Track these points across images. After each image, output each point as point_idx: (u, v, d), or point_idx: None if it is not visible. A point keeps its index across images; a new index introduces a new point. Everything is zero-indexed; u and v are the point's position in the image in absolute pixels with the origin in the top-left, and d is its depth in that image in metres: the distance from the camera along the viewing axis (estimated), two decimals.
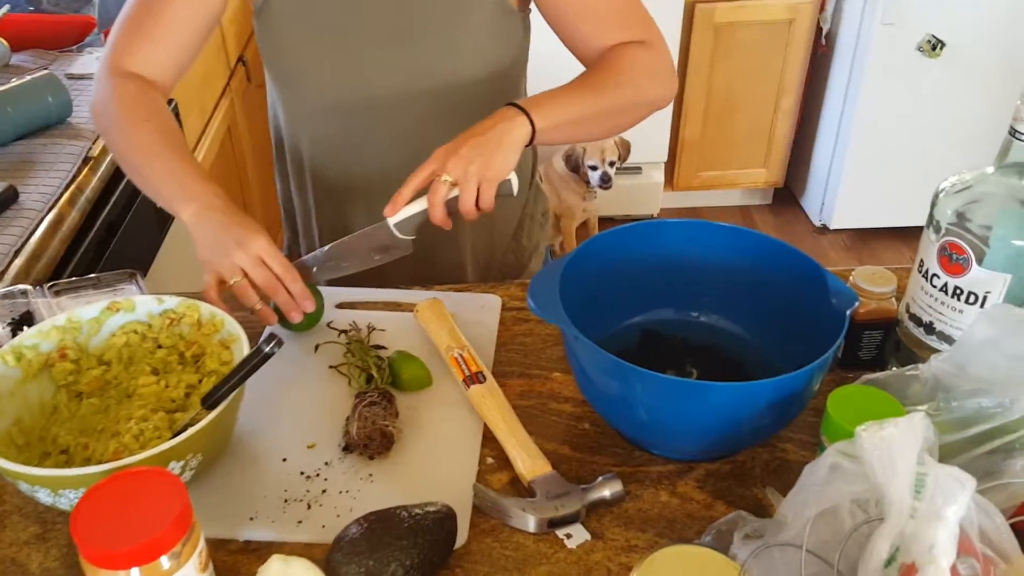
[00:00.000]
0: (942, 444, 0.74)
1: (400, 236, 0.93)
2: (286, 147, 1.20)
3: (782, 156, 3.04)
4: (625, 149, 2.75)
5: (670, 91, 1.05)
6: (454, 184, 0.89)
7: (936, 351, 0.82)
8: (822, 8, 2.80)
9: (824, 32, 2.84)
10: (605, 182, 2.70)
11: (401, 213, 0.91)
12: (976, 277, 0.78)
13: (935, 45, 2.60)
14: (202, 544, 0.68)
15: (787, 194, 3.24)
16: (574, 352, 0.84)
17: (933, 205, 0.81)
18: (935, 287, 0.81)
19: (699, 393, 0.76)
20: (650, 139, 2.92)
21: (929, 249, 0.81)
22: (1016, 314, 0.73)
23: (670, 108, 2.89)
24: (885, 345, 0.91)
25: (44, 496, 0.73)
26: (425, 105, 1.08)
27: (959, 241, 0.78)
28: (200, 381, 0.87)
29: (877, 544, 0.62)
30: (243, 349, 0.83)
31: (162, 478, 0.67)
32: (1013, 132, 0.75)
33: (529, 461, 0.82)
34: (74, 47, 1.76)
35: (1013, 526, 0.71)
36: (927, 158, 2.80)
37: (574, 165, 2.72)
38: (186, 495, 0.65)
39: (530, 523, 0.77)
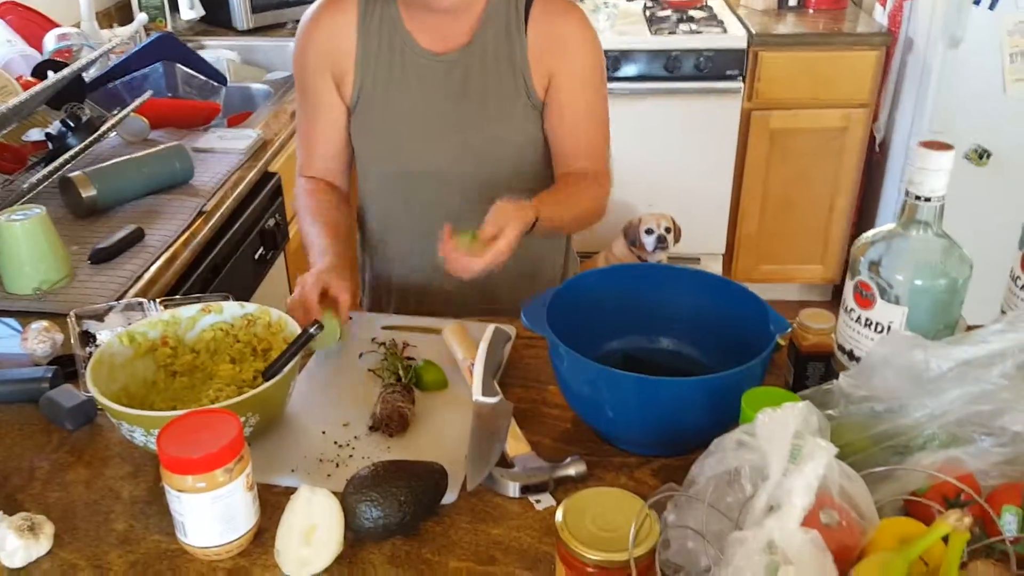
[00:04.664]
0: (847, 442, 0.90)
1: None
2: (368, 219, 1.49)
3: (838, 254, 3.18)
4: (678, 230, 2.98)
5: (599, 216, 1.38)
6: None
7: None
8: (875, 118, 2.98)
9: (878, 141, 3.02)
10: (661, 242, 2.91)
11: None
12: (881, 309, 0.95)
13: (982, 154, 2.74)
14: (250, 469, 0.90)
15: None
16: (555, 360, 1.04)
17: (850, 254, 0.99)
18: (852, 319, 0.98)
19: (649, 386, 0.94)
20: (709, 231, 3.12)
21: (848, 289, 0.99)
22: (902, 336, 0.90)
23: (727, 203, 3.09)
24: (827, 374, 1.07)
25: (139, 436, 0.97)
26: (474, 180, 1.35)
27: (867, 280, 0.95)
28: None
29: (759, 496, 0.79)
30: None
31: (224, 416, 0.90)
32: (907, 194, 0.93)
33: (514, 443, 1.02)
34: (202, 127, 2.12)
35: (907, 509, 0.87)
36: (978, 261, 2.88)
37: (632, 236, 2.95)
38: (240, 428, 0.88)
39: (509, 488, 0.96)
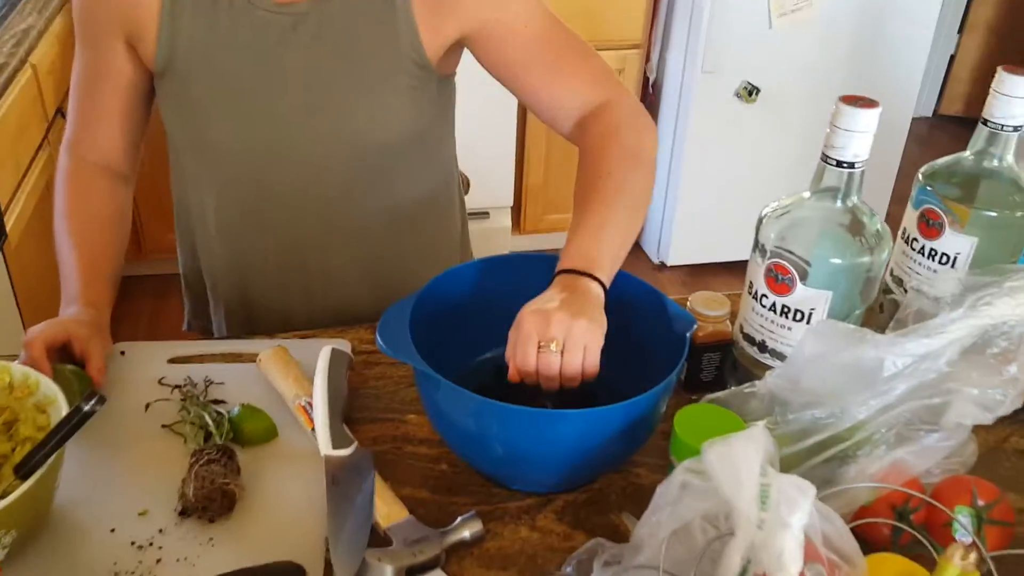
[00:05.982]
0: (782, 456, 0.77)
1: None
2: (191, 215, 1.14)
3: None
4: (467, 184, 2.81)
5: (656, 138, 0.99)
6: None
7: (769, 368, 0.86)
8: (647, 59, 2.96)
9: (651, 81, 3.00)
10: None
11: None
12: (801, 295, 0.82)
13: (751, 91, 2.80)
14: None
15: None
16: (426, 391, 0.82)
17: (757, 230, 0.85)
18: (764, 307, 0.85)
19: (551, 422, 0.76)
20: (496, 185, 2.97)
21: (757, 271, 0.85)
22: (840, 329, 0.78)
23: (512, 155, 2.96)
24: (724, 366, 0.94)
25: None
26: (347, 168, 1.05)
27: (783, 262, 0.82)
28: (13, 450, 0.78)
29: (730, 558, 0.64)
30: (61, 412, 0.76)
31: None
32: (825, 159, 0.80)
33: (384, 508, 0.79)
34: None
35: (853, 530, 0.75)
36: (750, 195, 2.97)
37: None
38: None
39: (387, 573, 0.74)
